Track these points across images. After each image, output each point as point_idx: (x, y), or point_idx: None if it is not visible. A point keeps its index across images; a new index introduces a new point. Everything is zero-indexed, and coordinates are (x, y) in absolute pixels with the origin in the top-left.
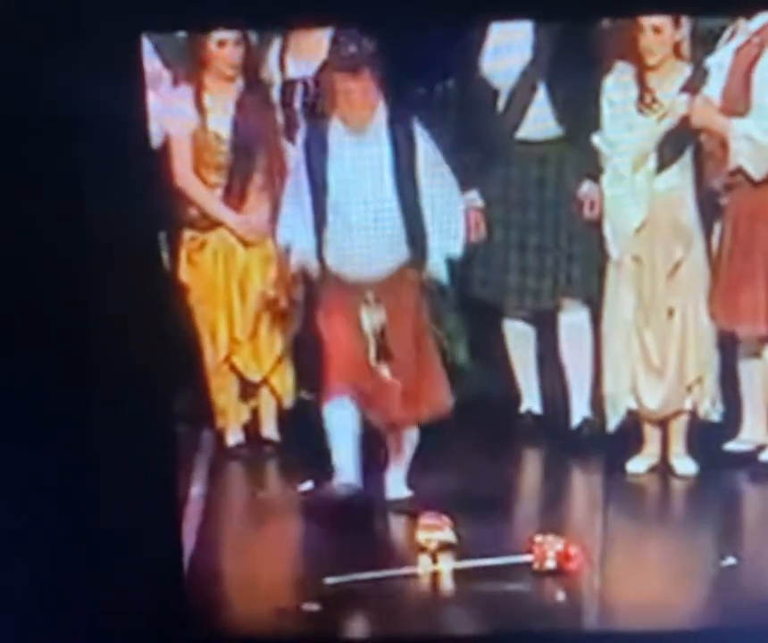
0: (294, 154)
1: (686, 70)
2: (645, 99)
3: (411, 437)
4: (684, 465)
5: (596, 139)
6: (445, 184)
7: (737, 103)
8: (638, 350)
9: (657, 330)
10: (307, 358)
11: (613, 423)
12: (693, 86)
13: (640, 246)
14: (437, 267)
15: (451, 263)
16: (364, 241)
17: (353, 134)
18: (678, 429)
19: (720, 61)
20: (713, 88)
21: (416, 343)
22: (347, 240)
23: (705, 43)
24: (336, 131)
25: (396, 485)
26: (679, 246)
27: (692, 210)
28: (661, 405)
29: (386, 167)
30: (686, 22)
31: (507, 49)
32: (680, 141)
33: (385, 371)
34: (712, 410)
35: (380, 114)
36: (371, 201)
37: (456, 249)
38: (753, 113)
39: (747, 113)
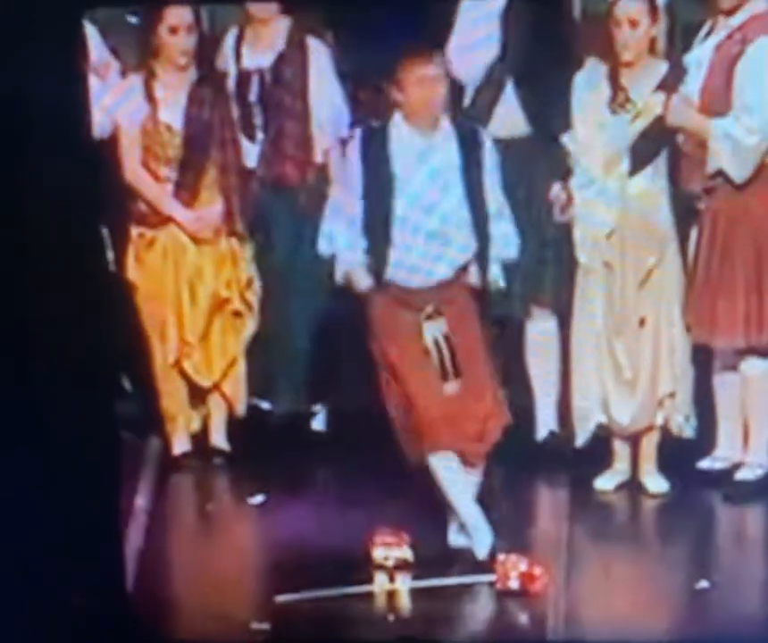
0: (339, 156)
1: (661, 68)
2: (618, 98)
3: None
4: (656, 483)
5: (564, 139)
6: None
7: (717, 101)
8: (608, 362)
9: (628, 341)
10: (260, 363)
11: (581, 438)
12: (670, 84)
13: (611, 251)
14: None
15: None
16: (428, 248)
17: (420, 135)
18: (649, 445)
19: (699, 57)
20: (692, 86)
21: (479, 356)
22: (411, 248)
23: (682, 39)
24: (401, 129)
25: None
26: (652, 253)
27: (666, 214)
28: (632, 420)
29: (454, 170)
30: (663, 18)
31: (473, 43)
32: (655, 142)
33: (452, 387)
34: (685, 425)
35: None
36: (437, 206)
37: (513, 253)
38: (734, 113)
39: (728, 113)
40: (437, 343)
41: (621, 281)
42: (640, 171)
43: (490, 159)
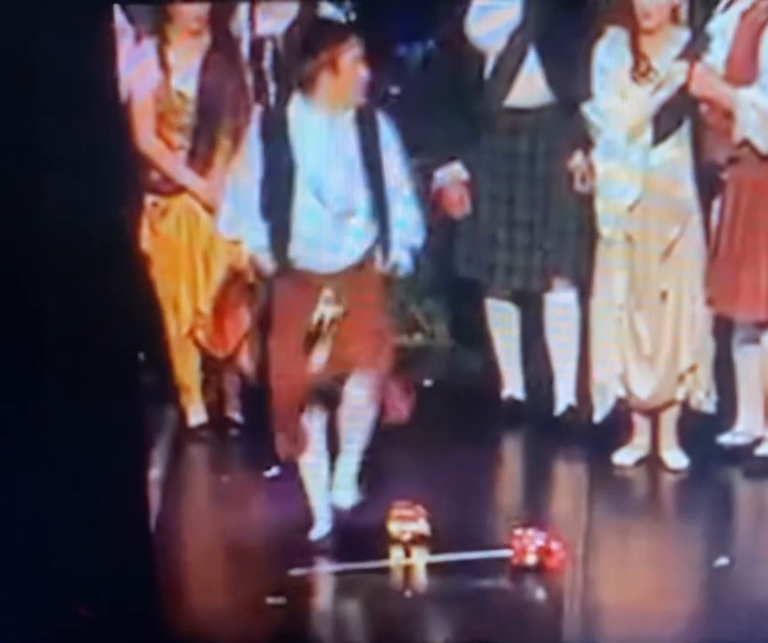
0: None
1: (683, 37)
2: (640, 67)
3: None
4: (676, 459)
5: (586, 109)
6: (403, 173)
7: (743, 71)
8: (628, 335)
9: (649, 315)
10: None
11: (600, 413)
12: (693, 53)
13: (633, 223)
14: (399, 257)
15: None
16: (332, 232)
17: (324, 114)
18: (669, 420)
19: (723, 26)
20: (717, 55)
21: (372, 341)
22: (315, 231)
23: (704, 7)
24: (300, 109)
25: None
26: (674, 225)
27: (690, 186)
28: (652, 395)
29: (356, 152)
30: None
31: (495, 9)
32: (678, 112)
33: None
34: (706, 400)
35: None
36: (341, 188)
37: (419, 241)
38: (761, 82)
39: (754, 82)
40: (320, 323)
41: (644, 254)
42: (663, 142)
43: (389, 142)
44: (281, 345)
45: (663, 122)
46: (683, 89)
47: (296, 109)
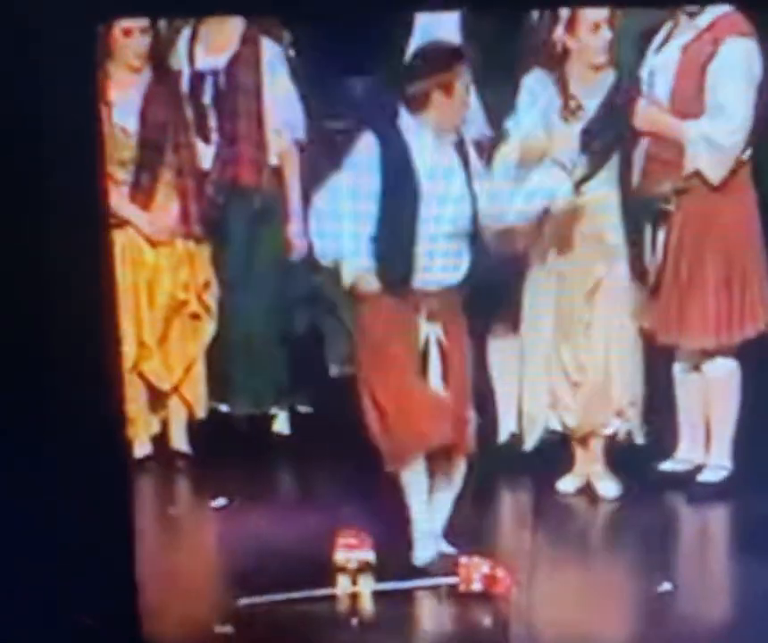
0: (345, 156)
1: (610, 76)
2: (569, 106)
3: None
4: (605, 487)
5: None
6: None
7: (688, 103)
8: (556, 365)
9: (576, 347)
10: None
11: (530, 442)
12: (630, 91)
13: (560, 261)
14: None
15: None
16: (440, 253)
17: (436, 134)
18: (596, 448)
19: (665, 60)
20: (660, 89)
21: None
22: (427, 250)
23: (636, 44)
24: (418, 132)
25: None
26: (600, 265)
27: (617, 223)
28: (579, 424)
29: (459, 168)
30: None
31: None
32: (606, 150)
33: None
34: (637, 432)
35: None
36: (453, 206)
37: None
38: (709, 114)
39: (700, 114)
40: (428, 344)
41: (570, 289)
42: (590, 179)
43: (476, 167)
44: (389, 363)
45: (590, 159)
46: (615, 126)
47: (409, 127)
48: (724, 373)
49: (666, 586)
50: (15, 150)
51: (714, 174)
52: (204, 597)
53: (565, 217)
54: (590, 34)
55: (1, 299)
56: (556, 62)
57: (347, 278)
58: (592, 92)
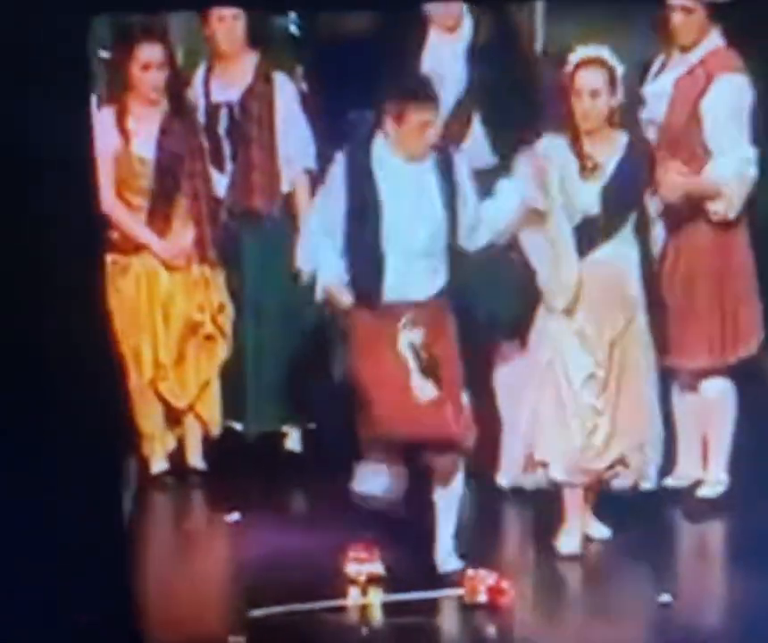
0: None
1: (622, 140)
2: (587, 165)
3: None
4: (596, 530)
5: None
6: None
7: (678, 136)
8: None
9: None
10: (233, 385)
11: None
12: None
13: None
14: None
15: None
16: (412, 269)
17: (403, 157)
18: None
19: (657, 92)
20: (654, 114)
21: (454, 368)
22: (398, 267)
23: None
24: (385, 154)
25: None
26: (620, 320)
27: (635, 282)
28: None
29: (436, 190)
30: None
31: (441, 78)
32: (624, 211)
33: (430, 390)
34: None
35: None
36: (423, 225)
37: None
38: (715, 156)
39: (690, 149)
40: (413, 348)
41: (591, 345)
42: (609, 239)
43: (465, 183)
44: (372, 375)
45: (608, 220)
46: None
47: (379, 149)
48: (719, 392)
49: (666, 597)
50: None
51: (733, 210)
52: (218, 608)
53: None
54: (590, 99)
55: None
56: (569, 122)
57: (319, 292)
58: (608, 151)
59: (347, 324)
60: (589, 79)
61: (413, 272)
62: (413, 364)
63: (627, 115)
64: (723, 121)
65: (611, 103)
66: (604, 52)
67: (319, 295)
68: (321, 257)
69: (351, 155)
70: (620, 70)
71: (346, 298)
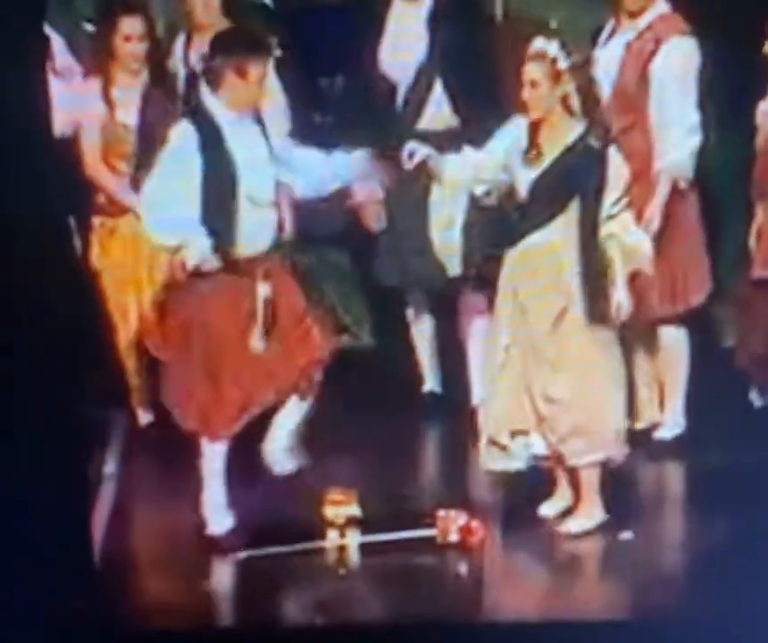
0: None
1: (578, 127)
2: (530, 152)
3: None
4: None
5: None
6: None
7: (630, 99)
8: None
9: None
10: None
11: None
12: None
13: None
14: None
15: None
16: (257, 220)
17: (238, 113)
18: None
19: (607, 56)
20: (603, 84)
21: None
22: (245, 223)
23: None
24: (221, 110)
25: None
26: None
27: (573, 271)
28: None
29: (264, 144)
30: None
31: (403, 45)
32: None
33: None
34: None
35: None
36: (261, 182)
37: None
38: (661, 134)
39: (642, 110)
40: (265, 303)
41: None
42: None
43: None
44: (224, 332)
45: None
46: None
47: (213, 106)
48: (673, 339)
49: (627, 535)
50: None
51: (684, 182)
52: (203, 554)
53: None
54: (530, 89)
55: None
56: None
57: (192, 260)
58: (557, 141)
59: (202, 285)
60: (529, 71)
61: (261, 225)
62: (260, 318)
63: (587, 104)
64: (671, 83)
65: (555, 92)
66: (546, 45)
67: (191, 264)
68: (185, 229)
69: (193, 118)
70: (563, 62)
71: (214, 263)
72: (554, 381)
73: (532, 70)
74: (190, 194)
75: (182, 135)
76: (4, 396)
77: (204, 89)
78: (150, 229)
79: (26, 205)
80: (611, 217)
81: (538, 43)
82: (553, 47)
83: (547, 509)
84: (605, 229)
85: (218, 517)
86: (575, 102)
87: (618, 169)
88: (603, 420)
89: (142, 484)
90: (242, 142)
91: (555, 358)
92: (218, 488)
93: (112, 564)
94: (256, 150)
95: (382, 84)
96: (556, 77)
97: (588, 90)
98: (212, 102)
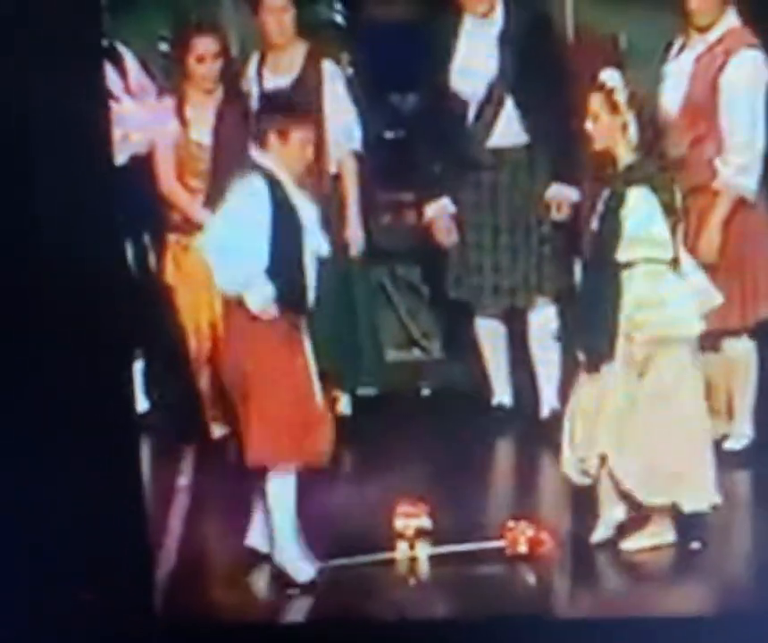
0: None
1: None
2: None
3: None
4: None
5: None
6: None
7: (698, 112)
8: None
9: None
10: None
11: None
12: None
13: None
14: None
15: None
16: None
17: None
18: None
19: (678, 69)
20: (672, 96)
21: None
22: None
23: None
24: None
25: None
26: None
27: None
28: None
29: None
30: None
31: (475, 64)
32: None
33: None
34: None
35: None
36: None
37: None
38: (729, 142)
39: (709, 125)
40: None
41: None
42: None
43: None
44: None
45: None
46: None
47: (265, 164)
48: (742, 351)
49: (696, 545)
50: None
51: (751, 193)
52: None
53: None
54: (592, 121)
55: None
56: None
57: (254, 306)
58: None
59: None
60: (591, 103)
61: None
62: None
63: (645, 135)
64: (740, 95)
65: (614, 123)
66: (608, 77)
67: (254, 309)
68: (246, 280)
69: (263, 174)
70: (622, 94)
71: (275, 311)
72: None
73: (593, 102)
74: (257, 244)
75: (252, 187)
76: (79, 411)
77: (254, 150)
78: (216, 276)
79: (101, 223)
80: None
81: (602, 75)
82: (613, 78)
83: (599, 535)
84: None
85: (299, 568)
86: (633, 133)
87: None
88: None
89: (213, 497)
90: (299, 201)
91: None
92: (291, 531)
93: (184, 575)
94: (311, 210)
95: (453, 101)
96: (614, 108)
97: (647, 122)
98: (265, 161)
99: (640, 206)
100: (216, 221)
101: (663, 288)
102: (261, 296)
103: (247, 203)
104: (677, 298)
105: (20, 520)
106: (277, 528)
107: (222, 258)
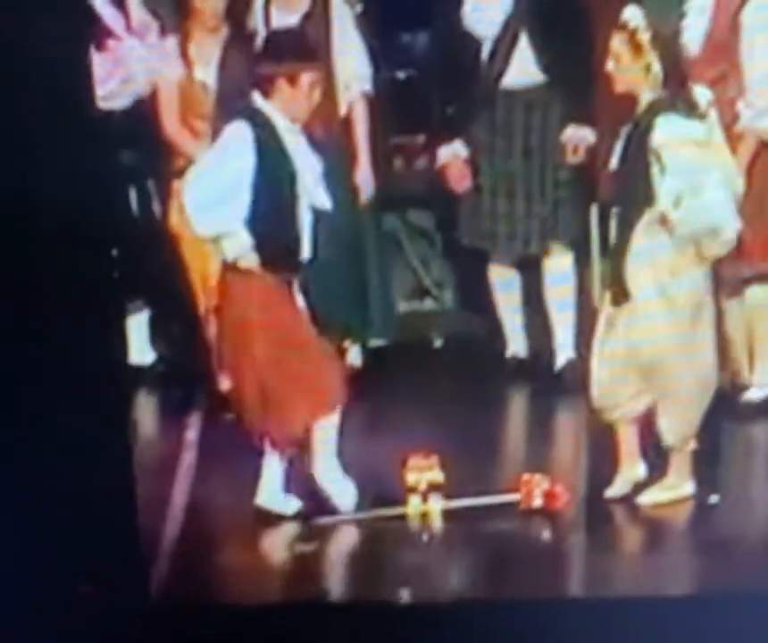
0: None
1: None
2: None
3: None
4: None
5: None
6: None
7: (720, 48)
8: None
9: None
10: None
11: None
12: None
13: None
14: None
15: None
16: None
17: (291, 120)
18: None
19: (700, 5)
20: (693, 33)
21: None
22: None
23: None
24: (276, 116)
25: None
26: None
27: None
28: None
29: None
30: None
31: (487, 1)
32: None
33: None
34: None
35: None
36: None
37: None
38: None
39: (733, 59)
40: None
41: None
42: None
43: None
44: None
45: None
46: None
47: (269, 112)
48: (763, 299)
49: (714, 498)
50: None
51: None
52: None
53: None
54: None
55: None
56: None
57: (230, 254)
58: None
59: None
60: (613, 43)
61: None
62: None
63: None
64: (761, 33)
65: (636, 65)
66: (630, 15)
67: (229, 257)
68: (223, 225)
69: (250, 119)
70: (645, 33)
71: (254, 261)
72: None
73: (615, 42)
74: (236, 191)
75: (237, 133)
76: (75, 368)
77: (256, 95)
78: (191, 219)
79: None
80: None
81: (626, 12)
82: (636, 16)
83: (616, 490)
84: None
85: (341, 489)
86: (657, 74)
87: None
88: None
89: (221, 453)
90: (299, 149)
91: None
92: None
93: (194, 533)
94: (312, 159)
95: (466, 39)
96: (638, 49)
97: (671, 63)
98: (265, 107)
99: (670, 130)
100: (196, 166)
101: (700, 175)
102: (236, 244)
103: (229, 148)
104: (714, 184)
105: (13, 501)
106: (319, 448)
107: (198, 203)
